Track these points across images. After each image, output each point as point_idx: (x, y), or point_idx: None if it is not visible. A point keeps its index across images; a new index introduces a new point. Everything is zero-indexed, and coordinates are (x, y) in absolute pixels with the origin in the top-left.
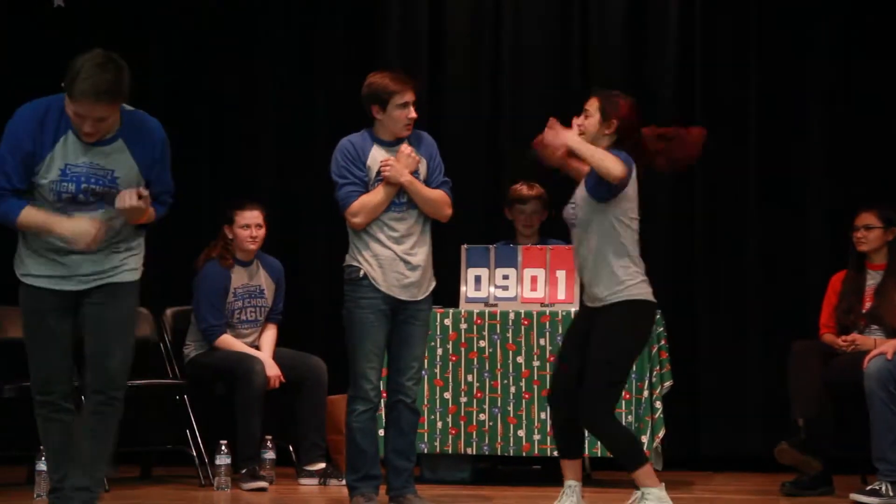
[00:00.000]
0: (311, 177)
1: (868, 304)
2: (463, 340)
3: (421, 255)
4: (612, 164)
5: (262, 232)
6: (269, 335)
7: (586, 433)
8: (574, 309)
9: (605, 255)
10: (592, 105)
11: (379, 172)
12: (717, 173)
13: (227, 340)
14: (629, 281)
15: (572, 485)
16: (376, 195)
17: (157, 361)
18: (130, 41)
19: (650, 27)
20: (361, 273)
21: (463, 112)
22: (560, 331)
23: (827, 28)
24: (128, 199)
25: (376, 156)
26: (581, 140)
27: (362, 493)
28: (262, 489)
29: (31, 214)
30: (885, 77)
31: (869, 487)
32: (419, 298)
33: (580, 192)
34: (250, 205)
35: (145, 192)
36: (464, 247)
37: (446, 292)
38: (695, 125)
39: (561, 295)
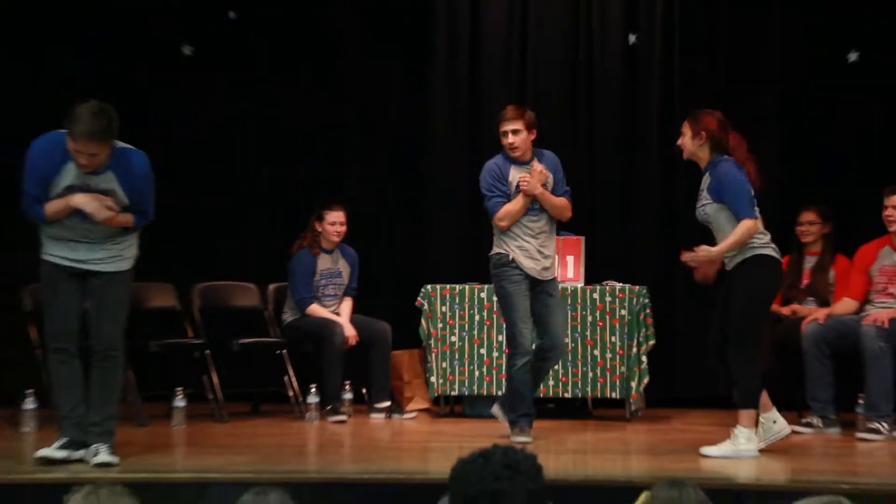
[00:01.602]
0: (379, 182)
1: (805, 282)
2: (495, 309)
3: (551, 247)
4: (743, 233)
5: (344, 228)
6: (347, 305)
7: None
8: (580, 285)
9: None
10: (685, 126)
11: (518, 186)
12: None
13: (316, 309)
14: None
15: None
16: (516, 204)
17: (262, 325)
18: (234, 47)
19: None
20: (510, 258)
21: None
22: (569, 302)
23: (781, 49)
24: (99, 210)
25: (514, 174)
26: (714, 249)
27: (520, 426)
28: (343, 421)
29: (51, 205)
30: (827, 93)
31: (804, 421)
32: (551, 279)
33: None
34: (337, 206)
35: (111, 212)
36: None
37: (484, 272)
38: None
39: (570, 274)
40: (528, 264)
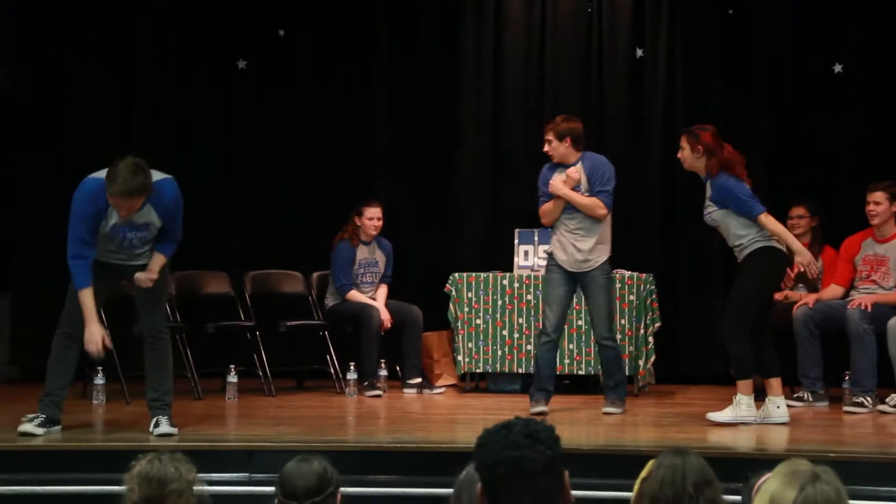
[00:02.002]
0: (412, 182)
1: (796, 270)
2: (516, 295)
3: (589, 241)
4: (775, 225)
5: (380, 223)
6: (382, 291)
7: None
8: None
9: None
10: (683, 141)
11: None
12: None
13: (354, 295)
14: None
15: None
16: (550, 204)
17: (306, 309)
18: (282, 60)
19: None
20: (551, 251)
21: (517, 134)
22: None
23: (771, 60)
24: (144, 281)
25: (554, 177)
26: (798, 256)
27: (535, 399)
28: (378, 396)
29: (85, 296)
30: (815, 101)
31: (795, 395)
32: (588, 270)
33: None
34: (374, 203)
35: (154, 277)
36: (516, 230)
37: (505, 262)
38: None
39: None
40: (562, 256)
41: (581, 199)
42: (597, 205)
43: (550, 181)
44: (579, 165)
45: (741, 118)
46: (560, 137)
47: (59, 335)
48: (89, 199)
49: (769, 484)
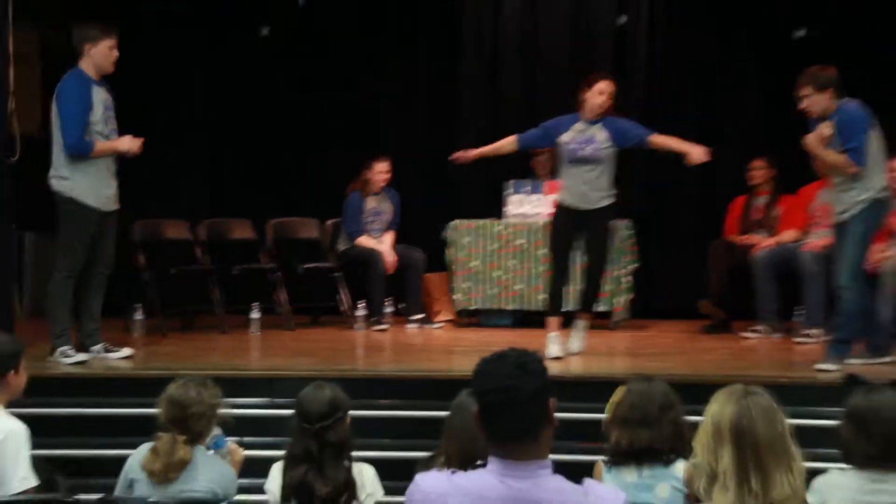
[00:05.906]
0: (413, 141)
1: (757, 217)
2: (507, 239)
3: (851, 192)
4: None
5: (388, 175)
6: (389, 237)
7: None
8: None
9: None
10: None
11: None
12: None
13: (363, 240)
14: None
15: None
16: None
17: (321, 252)
18: (302, 28)
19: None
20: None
21: (512, 111)
22: None
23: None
24: (135, 147)
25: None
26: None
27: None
28: (384, 330)
29: (99, 145)
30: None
31: (754, 328)
32: (847, 220)
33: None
34: (383, 157)
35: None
36: (511, 181)
37: (499, 209)
38: None
39: None
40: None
41: (832, 157)
42: (848, 164)
43: (807, 136)
44: (826, 122)
45: (724, 80)
46: (821, 88)
47: (64, 279)
48: (79, 85)
49: (709, 407)
